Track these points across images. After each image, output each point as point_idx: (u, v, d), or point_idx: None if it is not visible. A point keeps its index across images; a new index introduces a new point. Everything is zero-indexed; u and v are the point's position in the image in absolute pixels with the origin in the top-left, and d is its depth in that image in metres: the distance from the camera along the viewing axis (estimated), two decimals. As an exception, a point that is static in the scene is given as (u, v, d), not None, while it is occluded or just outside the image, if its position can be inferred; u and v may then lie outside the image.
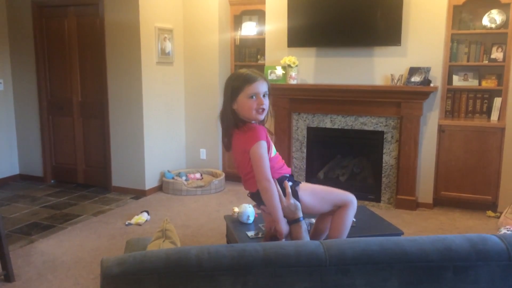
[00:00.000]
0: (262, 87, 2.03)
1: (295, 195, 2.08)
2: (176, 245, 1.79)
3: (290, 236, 2.05)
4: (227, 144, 2.13)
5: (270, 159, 2.06)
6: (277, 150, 2.20)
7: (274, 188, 2.02)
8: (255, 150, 2.00)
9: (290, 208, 2.04)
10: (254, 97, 2.01)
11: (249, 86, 2.00)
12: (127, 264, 1.25)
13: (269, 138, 2.08)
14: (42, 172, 5.65)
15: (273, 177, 2.05)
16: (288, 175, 2.15)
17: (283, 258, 1.29)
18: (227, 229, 3.51)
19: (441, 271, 1.33)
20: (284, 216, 2.06)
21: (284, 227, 2.04)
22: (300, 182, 2.18)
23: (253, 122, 2.07)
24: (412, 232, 3.97)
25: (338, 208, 2.19)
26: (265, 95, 2.05)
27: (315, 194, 2.16)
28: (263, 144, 2.00)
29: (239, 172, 2.17)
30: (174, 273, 1.24)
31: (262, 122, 2.12)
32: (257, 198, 2.13)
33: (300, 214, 2.06)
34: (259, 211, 2.26)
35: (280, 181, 2.09)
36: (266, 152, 2.01)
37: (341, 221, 2.17)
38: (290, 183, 2.10)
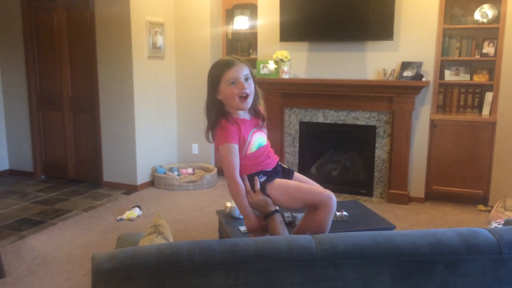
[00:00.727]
0: (241, 71, 1.97)
1: (263, 190, 2.06)
2: (169, 241, 1.78)
3: (268, 229, 2.05)
4: (212, 137, 2.07)
5: (245, 157, 2.02)
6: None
7: (238, 187, 2.01)
8: (221, 150, 1.99)
9: (260, 203, 2.04)
10: (234, 82, 1.95)
11: (228, 72, 1.95)
12: (118, 259, 1.24)
13: (247, 134, 2.01)
14: (32, 167, 5.60)
15: (246, 174, 2.04)
16: (269, 169, 2.10)
17: (275, 253, 1.29)
18: (219, 224, 3.50)
19: (432, 264, 1.33)
20: (258, 210, 2.06)
21: (251, 223, 2.05)
22: (280, 177, 2.12)
23: (239, 112, 2.03)
24: (404, 226, 3.99)
25: (315, 209, 2.04)
26: (247, 79, 1.99)
27: (285, 191, 2.07)
28: (230, 146, 1.97)
29: None
30: (166, 268, 1.24)
31: (250, 111, 2.07)
32: None
33: (272, 208, 2.04)
34: None
35: (252, 177, 2.06)
36: (233, 154, 1.98)
37: (314, 223, 2.02)
38: (262, 178, 2.06)
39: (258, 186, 2.04)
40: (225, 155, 1.98)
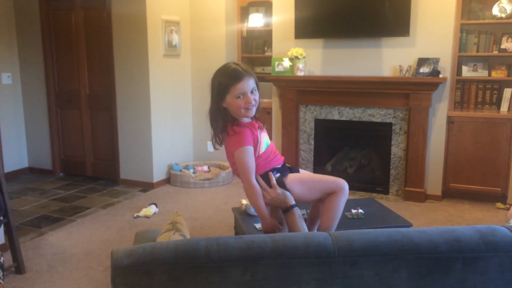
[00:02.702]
0: (248, 85, 2.01)
1: (282, 185, 2.08)
2: (186, 238, 1.80)
3: (287, 224, 2.06)
4: (219, 143, 2.11)
5: (258, 157, 2.06)
6: (275, 140, 2.19)
7: (255, 189, 2.03)
8: (238, 155, 2.01)
9: (278, 198, 2.05)
10: (241, 96, 1.99)
11: (235, 87, 1.98)
12: (137, 255, 1.26)
13: (258, 134, 2.06)
14: (51, 165, 5.69)
15: (260, 173, 2.07)
16: (279, 166, 2.14)
17: (292, 250, 1.29)
18: (235, 221, 3.52)
19: (450, 262, 1.32)
20: (277, 207, 2.08)
21: (268, 224, 2.07)
22: (289, 172, 2.16)
23: (244, 119, 2.06)
24: (421, 224, 3.95)
25: (328, 196, 2.15)
26: (254, 91, 2.03)
27: (303, 183, 2.14)
28: (248, 149, 2.00)
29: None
30: (184, 264, 1.25)
31: (254, 118, 2.11)
32: None
33: (292, 202, 2.06)
34: None
35: (266, 175, 2.09)
36: (250, 157, 2.01)
37: (331, 208, 2.14)
38: (277, 175, 2.10)
39: (274, 180, 2.07)
40: (243, 159, 2.01)
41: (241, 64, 2.06)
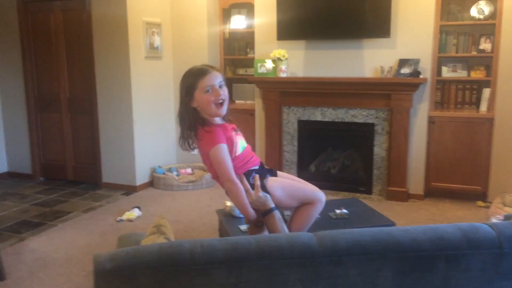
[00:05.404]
0: (215, 79, 2.02)
1: (263, 188, 2.08)
2: (171, 241, 1.78)
3: (267, 227, 2.06)
4: (188, 146, 2.10)
5: (236, 158, 2.05)
6: (258, 142, 2.19)
7: (238, 187, 2.02)
8: (213, 154, 2.00)
9: (259, 200, 2.04)
10: (209, 90, 1.99)
11: (202, 80, 1.98)
12: (120, 259, 1.24)
13: (232, 135, 2.05)
14: (31, 170, 5.59)
15: (239, 174, 2.06)
16: (256, 167, 2.13)
17: (276, 250, 1.29)
18: (219, 223, 3.50)
19: (434, 260, 1.34)
20: (256, 209, 2.07)
21: (253, 218, 2.07)
22: (268, 174, 2.17)
23: (215, 119, 2.05)
24: (404, 223, 3.99)
25: (305, 204, 2.20)
26: (221, 86, 2.03)
27: (284, 189, 2.15)
28: (222, 147, 1.99)
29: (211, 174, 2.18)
30: (167, 267, 1.24)
31: (225, 118, 2.10)
32: None
33: (272, 205, 2.05)
34: None
35: (248, 175, 2.08)
36: (225, 154, 2.00)
37: (306, 216, 2.18)
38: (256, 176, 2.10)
39: (258, 181, 2.06)
40: (219, 157, 1.99)
41: (206, 64, 2.09)
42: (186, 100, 2.03)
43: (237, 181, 2.02)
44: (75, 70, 5.21)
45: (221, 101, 2.01)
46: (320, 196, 2.20)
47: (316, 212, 2.19)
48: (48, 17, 5.23)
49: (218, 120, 2.08)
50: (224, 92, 2.03)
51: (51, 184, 5.37)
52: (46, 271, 3.19)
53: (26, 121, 5.51)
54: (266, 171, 2.19)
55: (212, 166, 2.05)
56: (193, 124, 2.04)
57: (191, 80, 2.01)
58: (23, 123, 5.52)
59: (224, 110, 2.04)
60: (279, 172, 2.29)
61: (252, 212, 2.05)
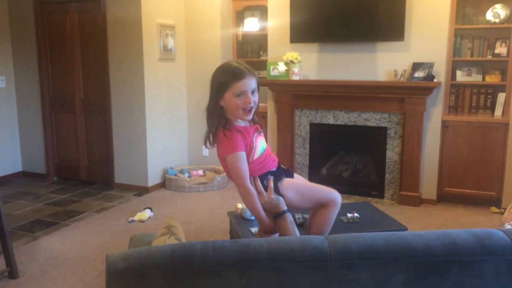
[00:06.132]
0: (250, 84, 1.93)
1: (276, 190, 2.06)
2: (181, 242, 1.79)
3: (278, 230, 2.05)
4: (212, 141, 2.05)
5: (253, 162, 2.02)
6: (270, 144, 2.16)
7: (252, 194, 1.99)
8: (230, 160, 1.97)
9: (271, 202, 2.02)
10: (241, 95, 1.92)
11: (236, 84, 1.90)
12: (132, 259, 1.25)
13: (253, 139, 2.02)
14: (45, 169, 5.66)
15: (254, 176, 2.04)
16: (273, 169, 2.11)
17: (288, 253, 1.29)
18: (230, 225, 3.50)
19: (447, 265, 1.32)
20: (268, 211, 2.05)
21: (267, 226, 2.04)
22: (285, 177, 2.14)
23: (239, 120, 2.01)
24: (416, 228, 3.96)
25: (321, 207, 2.15)
26: (254, 92, 1.96)
27: (297, 191, 2.12)
28: (239, 155, 1.95)
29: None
30: (179, 268, 1.24)
31: (252, 120, 2.06)
32: None
33: (284, 207, 2.03)
34: None
35: (263, 178, 2.06)
36: (242, 162, 1.96)
37: (324, 220, 2.14)
38: (272, 178, 2.08)
39: (271, 184, 2.04)
40: (235, 165, 1.96)
41: (244, 63, 1.99)
42: (216, 96, 1.97)
43: (251, 188, 2.00)
44: (89, 71, 5.26)
45: (249, 108, 1.95)
46: (335, 196, 2.14)
47: (333, 214, 2.14)
48: (64, 18, 5.29)
49: (241, 122, 2.03)
50: (255, 99, 1.96)
51: (64, 184, 5.42)
52: (59, 270, 3.22)
53: (40, 121, 5.58)
54: (283, 172, 2.17)
55: (227, 167, 2.04)
56: (217, 122, 1.99)
57: (225, 79, 1.92)
58: (38, 123, 5.59)
59: (251, 116, 1.99)
60: (295, 175, 2.27)
61: (265, 218, 2.03)
